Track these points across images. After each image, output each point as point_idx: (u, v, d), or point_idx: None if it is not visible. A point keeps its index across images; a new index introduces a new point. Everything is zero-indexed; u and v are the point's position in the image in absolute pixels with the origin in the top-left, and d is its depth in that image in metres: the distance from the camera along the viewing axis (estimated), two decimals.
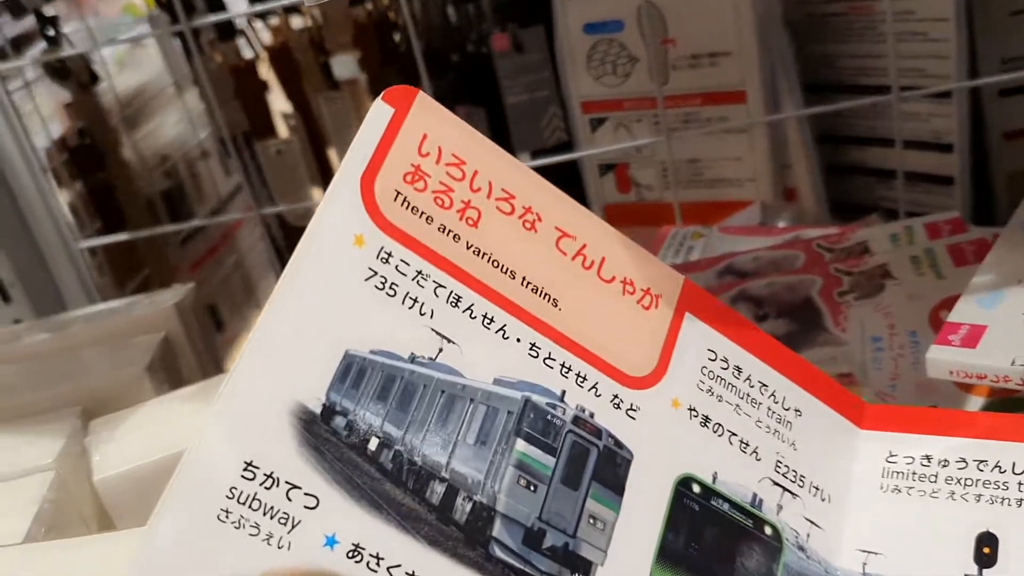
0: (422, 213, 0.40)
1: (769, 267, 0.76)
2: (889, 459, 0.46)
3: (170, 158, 1.24)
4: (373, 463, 0.37)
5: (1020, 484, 0.43)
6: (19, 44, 1.07)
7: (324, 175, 1.26)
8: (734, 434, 0.45)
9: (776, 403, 0.46)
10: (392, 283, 0.39)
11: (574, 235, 0.44)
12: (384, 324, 0.39)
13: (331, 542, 0.36)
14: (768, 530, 0.44)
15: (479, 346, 0.40)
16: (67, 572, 0.47)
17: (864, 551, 0.45)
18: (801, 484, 0.45)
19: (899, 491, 0.45)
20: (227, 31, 1.23)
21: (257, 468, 0.35)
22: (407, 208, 0.40)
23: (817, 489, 0.46)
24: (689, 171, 0.98)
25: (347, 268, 0.39)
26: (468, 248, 0.41)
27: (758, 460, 0.45)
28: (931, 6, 0.85)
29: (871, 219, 0.89)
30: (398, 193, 0.40)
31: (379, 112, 0.41)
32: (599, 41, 0.95)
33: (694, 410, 0.44)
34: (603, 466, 0.41)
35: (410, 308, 0.39)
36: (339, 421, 0.37)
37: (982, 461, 0.44)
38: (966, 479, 0.44)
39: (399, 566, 0.36)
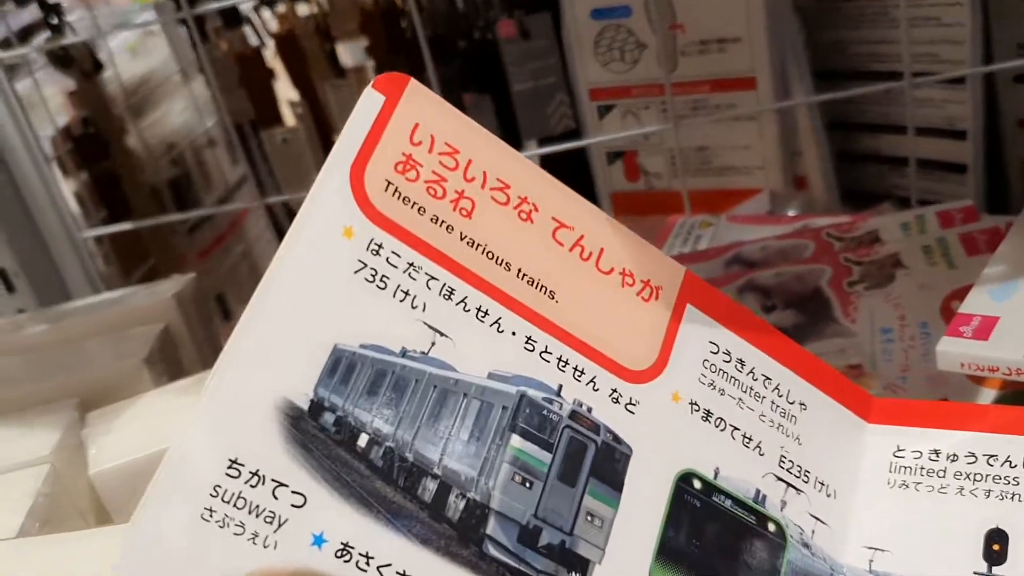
0: (414, 204, 0.39)
1: (778, 257, 0.75)
2: (897, 454, 0.45)
3: (177, 146, 1.23)
4: (363, 460, 0.37)
5: None
6: (26, 35, 1.06)
7: None
8: (736, 428, 0.44)
9: (780, 397, 0.45)
10: (383, 275, 0.38)
11: (571, 225, 0.43)
12: (374, 317, 0.38)
13: (319, 541, 0.35)
14: (771, 527, 0.43)
15: (473, 340, 0.39)
16: (61, 567, 0.47)
17: (870, 548, 0.44)
18: (806, 479, 0.44)
19: (907, 486, 0.44)
20: (233, 19, 1.23)
21: (242, 466, 0.34)
22: (398, 198, 0.39)
23: (822, 484, 0.45)
24: (698, 159, 0.96)
25: (336, 260, 0.38)
26: (462, 239, 0.40)
27: (761, 455, 0.44)
28: None
29: (883, 207, 0.87)
30: (389, 183, 0.39)
31: (369, 100, 0.40)
32: (607, 27, 0.94)
33: (695, 404, 0.43)
34: (601, 462, 0.40)
35: (401, 301, 0.38)
36: (327, 417, 0.36)
37: (992, 455, 0.43)
38: (975, 474, 0.43)
39: (389, 565, 0.36)
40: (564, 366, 0.41)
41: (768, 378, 0.45)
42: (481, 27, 1.05)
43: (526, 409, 0.39)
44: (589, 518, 0.39)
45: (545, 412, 0.40)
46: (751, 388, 0.45)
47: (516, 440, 0.39)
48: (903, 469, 0.45)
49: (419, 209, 0.39)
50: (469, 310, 0.40)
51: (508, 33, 0.98)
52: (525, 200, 0.42)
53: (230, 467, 0.34)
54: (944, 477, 0.44)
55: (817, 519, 0.44)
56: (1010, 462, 0.43)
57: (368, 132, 0.39)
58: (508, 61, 0.99)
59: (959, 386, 0.57)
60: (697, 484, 0.42)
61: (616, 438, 0.41)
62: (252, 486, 0.34)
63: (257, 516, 0.34)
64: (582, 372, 0.41)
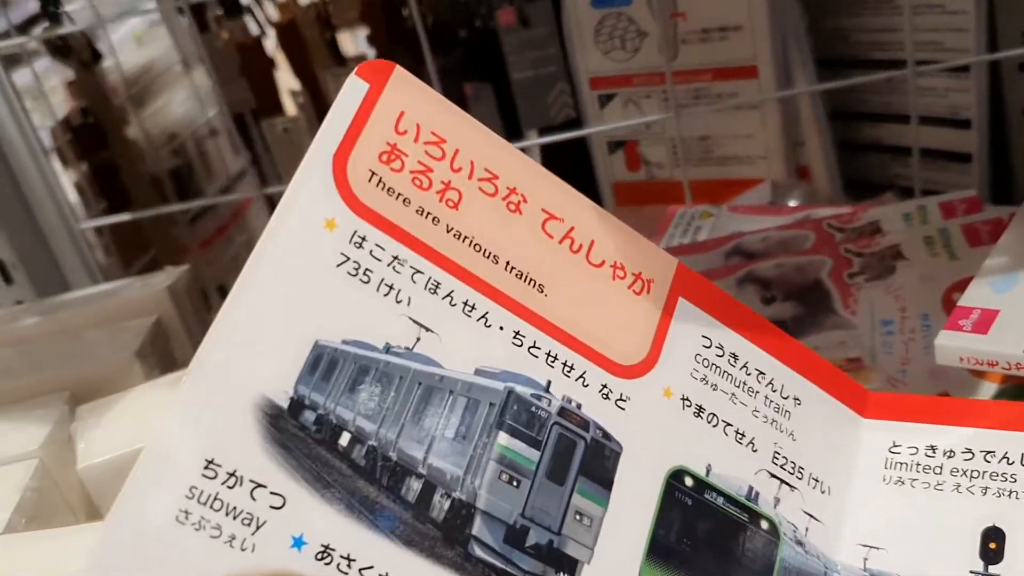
0: (399, 195, 0.39)
1: (778, 248, 0.74)
2: (892, 449, 0.45)
3: (178, 136, 1.22)
4: (344, 459, 0.36)
5: None
6: (27, 26, 1.06)
7: None
8: (729, 424, 0.43)
9: (774, 391, 0.44)
10: (366, 269, 0.37)
11: (561, 217, 0.42)
12: (357, 312, 0.37)
13: (299, 543, 0.34)
14: (764, 524, 0.42)
15: (459, 335, 0.39)
16: (48, 563, 0.46)
17: (865, 546, 0.43)
18: (800, 476, 0.44)
19: (902, 483, 0.44)
20: (233, 8, 1.22)
21: (219, 466, 0.33)
22: (383, 189, 0.38)
23: (817, 481, 0.44)
24: (700, 148, 0.96)
25: (317, 253, 0.37)
26: (448, 231, 0.39)
27: (754, 451, 0.43)
28: None
29: (886, 197, 0.86)
30: (373, 173, 0.38)
31: (353, 87, 0.39)
32: (607, 15, 0.93)
33: (687, 400, 0.42)
34: (590, 459, 0.40)
35: (385, 295, 0.38)
36: (308, 416, 0.36)
37: (989, 452, 0.43)
38: (972, 471, 0.42)
39: (371, 568, 0.35)
40: (553, 361, 0.40)
41: (762, 373, 0.44)
42: (483, 15, 1.05)
43: (514, 406, 0.38)
44: (578, 517, 0.39)
45: (533, 409, 0.39)
46: (744, 383, 0.44)
47: (503, 438, 0.38)
48: (899, 465, 0.44)
49: (404, 200, 0.39)
50: (455, 304, 0.39)
51: (508, 21, 0.97)
52: (514, 191, 0.41)
53: (206, 467, 0.33)
54: (940, 474, 0.43)
55: (811, 516, 0.43)
56: (1007, 459, 0.42)
57: (351, 121, 0.38)
58: (508, 50, 0.98)
59: (960, 379, 0.56)
60: (689, 481, 0.41)
61: (606, 435, 0.40)
62: (229, 487, 0.33)
63: (235, 518, 0.33)
64: (572, 367, 0.40)
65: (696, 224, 0.84)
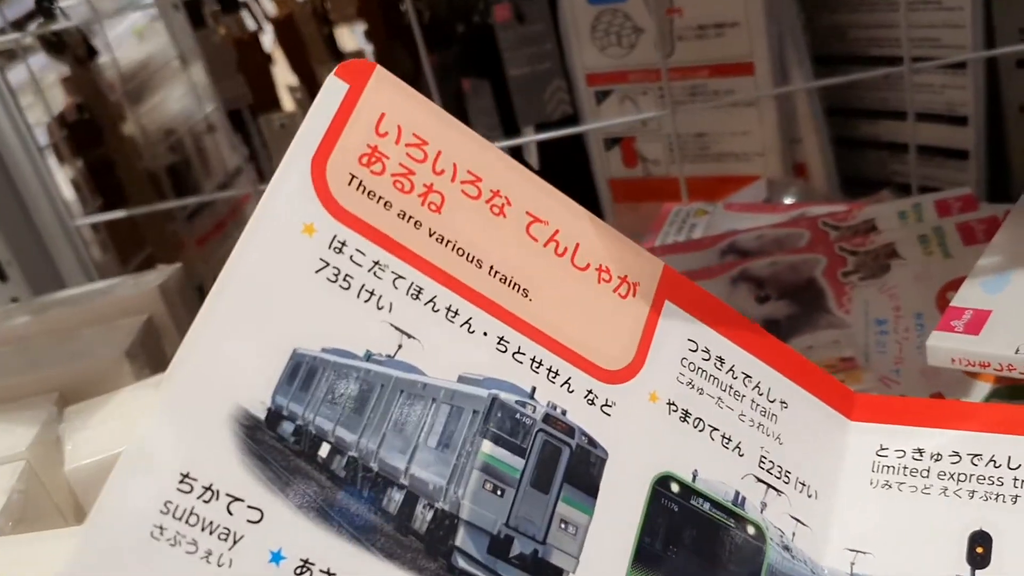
0: (380, 198, 0.38)
1: (773, 246, 0.74)
2: (880, 452, 0.44)
3: (175, 132, 1.22)
4: (324, 471, 0.35)
5: (1016, 480, 0.41)
6: (23, 24, 1.06)
7: None
8: (715, 429, 0.43)
9: (760, 395, 0.44)
10: (346, 275, 0.37)
11: (546, 220, 0.41)
12: (337, 320, 0.36)
13: (277, 558, 0.33)
14: (751, 529, 0.42)
15: (442, 341, 0.38)
16: (34, 565, 0.46)
17: (852, 550, 0.43)
18: (787, 480, 0.43)
19: (890, 486, 0.43)
20: (230, 3, 1.21)
21: (194, 480, 0.33)
22: (363, 193, 0.38)
23: (804, 485, 0.44)
24: (696, 145, 0.95)
25: (295, 259, 0.36)
26: (431, 235, 0.39)
27: (741, 456, 0.43)
28: None
29: (883, 194, 0.86)
30: (353, 177, 0.38)
31: (332, 88, 0.38)
32: (603, 11, 0.92)
33: (673, 404, 0.42)
34: (576, 466, 0.39)
35: (366, 302, 0.37)
36: (286, 427, 0.35)
37: (976, 455, 0.42)
38: (959, 474, 0.42)
39: None
40: (538, 367, 0.40)
41: (748, 376, 0.44)
42: (480, 11, 1.04)
43: (498, 413, 0.38)
44: (563, 526, 0.38)
45: (518, 416, 0.38)
46: (730, 387, 0.44)
47: (487, 446, 0.38)
48: (886, 469, 0.44)
49: (385, 204, 0.38)
50: (438, 310, 0.38)
51: (504, 17, 0.97)
52: (497, 193, 0.40)
53: (181, 482, 0.33)
54: (928, 477, 0.43)
55: (798, 521, 0.43)
56: (995, 462, 0.42)
57: (330, 123, 0.38)
58: (504, 46, 0.98)
59: (953, 379, 0.56)
60: (675, 487, 0.41)
61: (591, 441, 0.40)
62: (205, 501, 0.33)
63: (211, 533, 0.33)
64: (556, 373, 0.40)
65: (691, 222, 0.84)
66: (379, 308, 0.37)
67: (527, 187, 0.41)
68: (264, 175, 1.23)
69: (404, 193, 0.39)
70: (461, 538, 0.36)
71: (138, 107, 1.17)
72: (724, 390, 0.43)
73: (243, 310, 0.35)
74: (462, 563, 0.36)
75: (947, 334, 0.50)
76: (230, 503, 0.33)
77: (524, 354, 0.39)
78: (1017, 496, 0.41)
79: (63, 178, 1.05)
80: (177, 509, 0.32)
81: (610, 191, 1.01)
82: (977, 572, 0.40)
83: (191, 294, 0.80)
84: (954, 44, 0.84)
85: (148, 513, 0.32)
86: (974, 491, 0.42)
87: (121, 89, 1.14)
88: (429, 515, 0.36)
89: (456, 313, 0.39)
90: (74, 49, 1.05)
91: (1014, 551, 0.40)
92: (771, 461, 0.43)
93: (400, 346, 0.37)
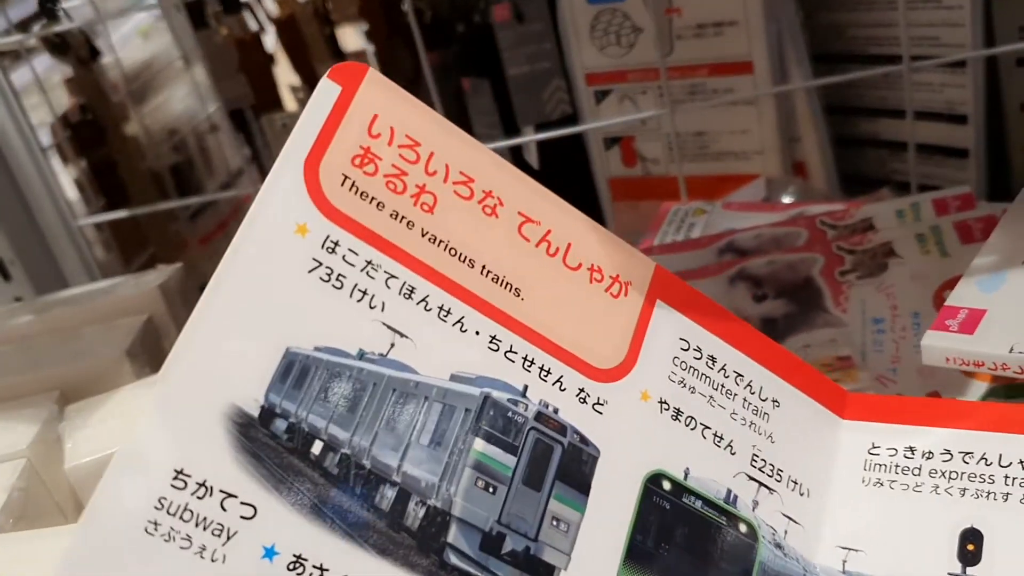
0: (372, 199, 0.38)
1: (771, 245, 0.74)
2: (872, 451, 0.45)
3: (178, 132, 1.22)
4: (317, 468, 0.36)
5: (1007, 477, 0.41)
6: (27, 25, 1.06)
7: None
8: (707, 427, 0.43)
9: (752, 394, 0.44)
10: (339, 274, 0.37)
11: (538, 220, 0.42)
12: (330, 319, 0.37)
13: (270, 554, 0.34)
14: (743, 527, 0.42)
15: (434, 340, 0.38)
16: (34, 563, 0.46)
17: (844, 548, 0.43)
18: (778, 479, 0.44)
19: (881, 485, 0.44)
20: (232, 4, 1.22)
21: (188, 476, 0.33)
22: (356, 193, 0.38)
23: (795, 483, 0.44)
24: (695, 144, 0.95)
25: (288, 259, 0.36)
26: (423, 235, 0.39)
27: (733, 454, 0.43)
28: None
29: (882, 193, 0.86)
30: (346, 177, 0.38)
31: (324, 90, 0.39)
32: (602, 11, 0.92)
33: (665, 403, 0.42)
34: (568, 464, 0.39)
35: (358, 301, 0.37)
36: (279, 424, 0.35)
37: (968, 453, 0.42)
38: (951, 472, 0.42)
39: None
40: (530, 366, 0.40)
41: (740, 375, 0.44)
42: (480, 11, 1.04)
43: (490, 411, 0.38)
44: (555, 523, 0.39)
45: (510, 414, 0.39)
46: (722, 385, 0.44)
47: (479, 444, 0.38)
48: (878, 467, 0.44)
49: (378, 204, 0.38)
50: (431, 309, 0.39)
51: (503, 17, 0.97)
52: (490, 194, 0.41)
53: (176, 478, 0.33)
54: (919, 475, 0.43)
55: (790, 519, 0.43)
56: (986, 460, 0.42)
57: (323, 124, 0.38)
58: (503, 46, 0.98)
59: (950, 378, 0.56)
60: (667, 485, 0.41)
61: (583, 439, 0.40)
62: (199, 498, 0.33)
63: (205, 529, 0.33)
64: (548, 372, 0.40)
65: (690, 221, 0.84)
66: (372, 307, 0.38)
67: (519, 188, 0.42)
68: (266, 175, 1.23)
69: (397, 194, 0.39)
70: (453, 535, 0.37)
71: (141, 107, 1.17)
72: (716, 389, 0.44)
73: (237, 309, 0.35)
74: (454, 560, 0.36)
75: (942, 333, 0.50)
76: (224, 499, 0.34)
77: (516, 353, 0.40)
78: (1008, 494, 0.41)
79: (67, 178, 1.05)
80: (171, 505, 0.33)
81: (610, 190, 1.01)
82: (968, 569, 0.40)
83: (193, 293, 0.80)
84: (953, 43, 0.84)
85: (143, 509, 0.33)
86: (965, 489, 0.42)
87: (124, 89, 1.14)
88: (421, 512, 0.37)
89: (448, 312, 0.39)
90: (77, 50, 1.06)
91: (1005, 548, 0.40)
92: (763, 459, 0.44)
93: (393, 345, 0.38)
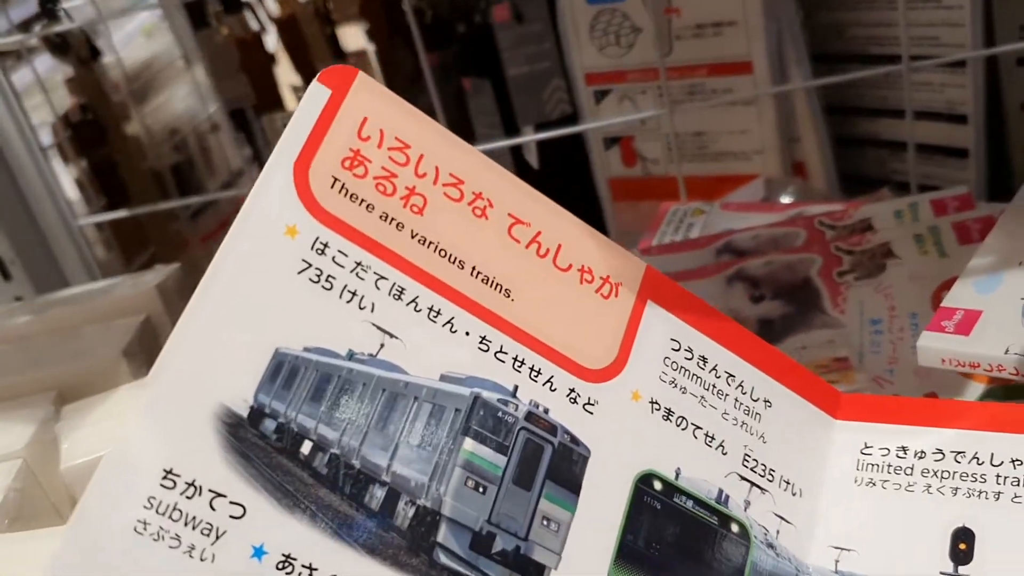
0: (362, 201, 0.38)
1: (769, 245, 0.74)
2: (864, 451, 0.45)
3: (180, 132, 1.23)
4: (306, 468, 0.36)
5: (998, 477, 0.41)
6: (28, 25, 1.06)
7: None
8: (698, 427, 0.43)
9: (744, 394, 0.44)
10: (328, 276, 0.37)
11: (528, 222, 0.42)
12: (319, 319, 0.37)
13: (259, 553, 0.34)
14: (735, 527, 0.42)
15: (424, 341, 0.38)
16: (30, 563, 0.46)
17: (837, 548, 0.43)
18: (771, 478, 0.44)
19: (874, 484, 0.44)
20: (233, 3, 1.22)
21: (178, 476, 0.33)
22: (345, 195, 0.38)
23: (788, 483, 0.44)
24: (695, 144, 0.95)
25: (278, 261, 0.36)
26: (413, 237, 0.39)
27: (724, 454, 0.43)
28: None
29: (882, 193, 0.86)
30: (335, 180, 0.38)
31: (315, 94, 0.39)
32: (602, 11, 0.92)
33: (656, 403, 0.42)
34: (558, 464, 0.39)
35: (348, 302, 0.37)
36: (268, 424, 0.35)
37: (959, 452, 0.42)
38: (943, 471, 0.42)
39: None
40: (520, 366, 0.40)
41: (731, 375, 0.44)
42: (481, 11, 1.04)
43: (480, 411, 0.38)
44: (545, 522, 0.39)
45: (500, 414, 0.39)
46: (713, 385, 0.44)
47: (469, 443, 0.38)
48: (871, 467, 0.44)
49: (368, 206, 0.38)
50: (420, 310, 0.39)
51: (502, 17, 0.97)
52: (480, 196, 0.41)
53: (165, 477, 0.33)
54: (912, 475, 0.43)
55: (782, 519, 0.43)
56: (977, 459, 0.42)
57: (313, 127, 0.38)
58: (503, 46, 0.98)
59: (947, 379, 0.56)
60: (658, 485, 0.41)
61: (574, 439, 0.40)
62: (188, 497, 0.33)
63: (194, 528, 0.33)
64: (539, 372, 0.40)
65: (688, 221, 0.84)
66: (361, 308, 0.38)
67: (509, 189, 0.42)
68: None
69: (386, 196, 0.39)
70: (443, 534, 0.37)
71: (142, 107, 1.18)
72: (707, 389, 0.44)
73: (227, 310, 0.36)
74: (444, 559, 0.37)
75: (938, 334, 0.50)
76: (213, 499, 0.34)
77: (506, 353, 0.40)
78: (1000, 493, 0.41)
79: (68, 178, 1.06)
80: (160, 505, 0.33)
81: (610, 190, 1.01)
82: (960, 568, 0.40)
83: (192, 293, 0.80)
84: (954, 43, 0.84)
85: (132, 509, 0.33)
86: (957, 488, 0.42)
87: (126, 89, 1.15)
88: (411, 512, 0.37)
89: (438, 313, 0.39)
90: (77, 50, 1.06)
91: (996, 547, 0.40)
92: (755, 459, 0.44)
93: (382, 345, 0.38)
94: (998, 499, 0.41)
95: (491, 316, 0.40)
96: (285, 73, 1.28)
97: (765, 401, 0.45)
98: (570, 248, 0.42)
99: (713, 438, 0.43)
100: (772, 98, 0.90)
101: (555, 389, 0.40)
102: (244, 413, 0.35)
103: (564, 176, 1.02)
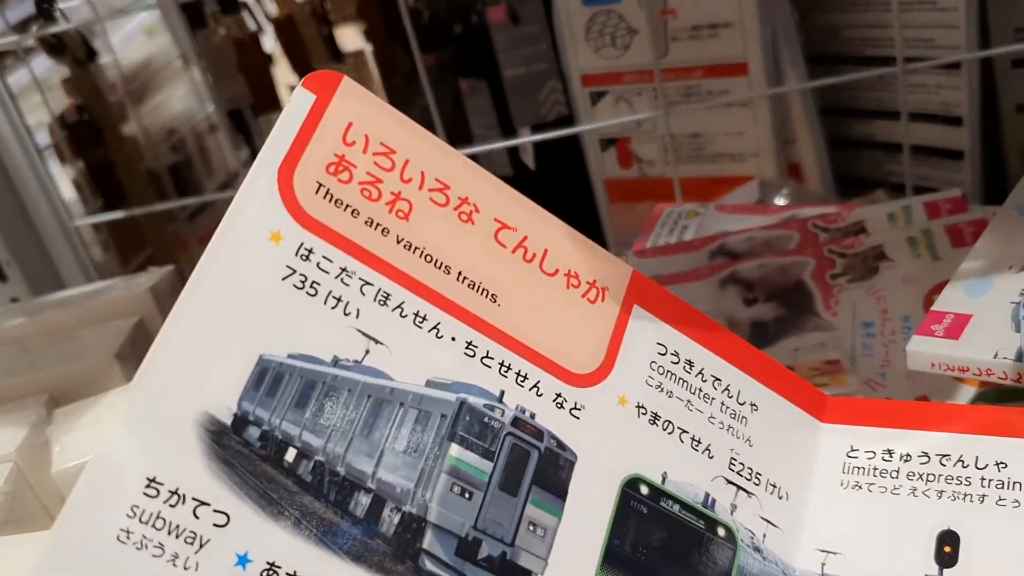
0: (347, 206, 0.38)
1: (762, 248, 0.74)
2: (850, 454, 0.45)
3: (177, 132, 1.23)
4: (290, 475, 0.36)
5: (983, 480, 0.42)
6: (25, 26, 1.06)
7: None
8: (685, 431, 0.43)
9: (730, 398, 0.44)
10: (313, 281, 0.37)
11: (515, 226, 0.42)
12: (304, 326, 0.37)
13: (243, 561, 0.34)
14: (721, 531, 0.42)
15: (410, 346, 0.38)
16: (18, 566, 0.46)
17: (823, 551, 0.43)
18: (757, 482, 0.44)
19: (860, 487, 0.44)
20: (230, 4, 1.22)
21: (161, 484, 0.33)
22: (330, 201, 0.38)
23: (774, 487, 0.44)
24: (691, 146, 0.95)
25: (261, 267, 0.36)
26: (398, 242, 0.39)
27: (711, 458, 0.43)
28: None
29: (877, 195, 0.86)
30: (320, 185, 0.38)
31: (299, 99, 0.39)
32: (597, 12, 0.92)
33: (642, 407, 0.42)
34: (544, 469, 0.40)
35: (333, 308, 0.37)
36: (252, 432, 0.35)
37: (945, 455, 0.43)
38: (928, 474, 0.43)
39: None
40: (506, 371, 0.40)
41: (718, 379, 0.44)
42: (478, 12, 1.04)
43: (466, 417, 0.38)
44: (531, 528, 0.39)
45: (486, 419, 0.39)
46: (700, 389, 0.44)
47: (455, 449, 0.38)
48: (856, 470, 0.44)
49: (353, 212, 0.38)
50: (406, 316, 0.39)
51: (498, 18, 0.97)
52: (466, 201, 0.41)
53: (148, 486, 0.33)
54: (897, 478, 0.43)
55: (769, 522, 0.43)
56: (962, 462, 0.42)
57: (297, 132, 0.38)
58: (499, 47, 0.98)
59: (939, 382, 0.56)
60: (644, 489, 0.41)
61: (560, 444, 0.40)
62: (172, 505, 0.33)
63: (177, 537, 0.33)
64: (525, 377, 0.40)
65: (683, 223, 0.84)
66: (346, 314, 0.38)
67: (495, 194, 0.42)
68: None
69: (372, 201, 0.39)
70: (429, 541, 0.37)
71: (140, 107, 1.18)
72: (693, 393, 0.44)
73: (210, 317, 0.36)
74: (430, 565, 0.37)
75: (927, 338, 0.50)
76: (196, 507, 0.34)
77: (492, 358, 0.40)
78: (984, 495, 0.41)
79: (64, 179, 1.06)
80: (144, 513, 0.33)
81: (606, 191, 1.01)
82: (945, 571, 0.40)
83: None
84: (949, 44, 0.84)
85: (115, 517, 0.33)
86: (942, 491, 0.42)
87: (123, 89, 1.15)
88: (396, 518, 0.37)
89: (424, 318, 0.39)
90: (74, 51, 1.06)
91: (981, 550, 0.40)
92: (741, 463, 0.44)
93: (367, 351, 0.38)
94: (983, 502, 0.41)
95: (477, 321, 0.40)
96: (283, 73, 1.28)
97: (751, 405, 0.45)
98: (556, 253, 0.42)
99: (699, 442, 0.43)
100: (768, 100, 0.90)
101: (541, 394, 0.40)
102: (228, 421, 0.35)
103: (560, 177, 1.02)
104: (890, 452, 0.44)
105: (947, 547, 0.41)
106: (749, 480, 0.43)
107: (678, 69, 0.92)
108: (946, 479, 0.42)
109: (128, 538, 0.33)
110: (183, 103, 1.27)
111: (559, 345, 0.41)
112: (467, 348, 0.39)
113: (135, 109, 1.16)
